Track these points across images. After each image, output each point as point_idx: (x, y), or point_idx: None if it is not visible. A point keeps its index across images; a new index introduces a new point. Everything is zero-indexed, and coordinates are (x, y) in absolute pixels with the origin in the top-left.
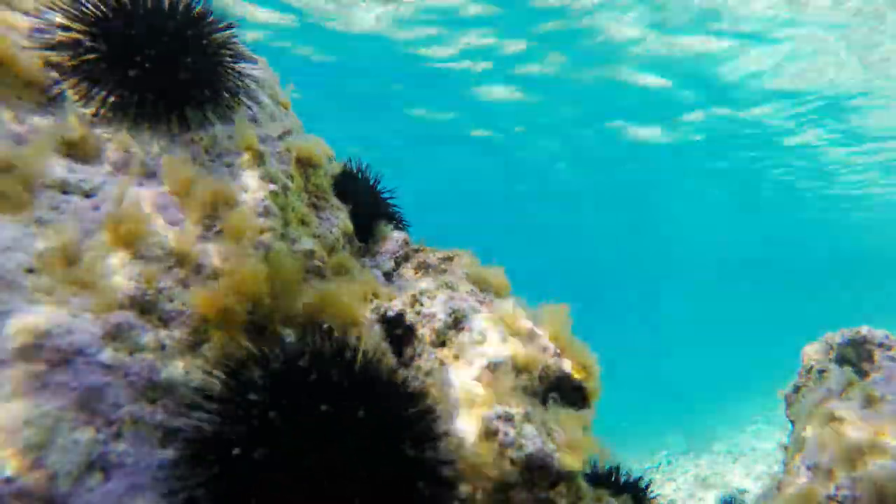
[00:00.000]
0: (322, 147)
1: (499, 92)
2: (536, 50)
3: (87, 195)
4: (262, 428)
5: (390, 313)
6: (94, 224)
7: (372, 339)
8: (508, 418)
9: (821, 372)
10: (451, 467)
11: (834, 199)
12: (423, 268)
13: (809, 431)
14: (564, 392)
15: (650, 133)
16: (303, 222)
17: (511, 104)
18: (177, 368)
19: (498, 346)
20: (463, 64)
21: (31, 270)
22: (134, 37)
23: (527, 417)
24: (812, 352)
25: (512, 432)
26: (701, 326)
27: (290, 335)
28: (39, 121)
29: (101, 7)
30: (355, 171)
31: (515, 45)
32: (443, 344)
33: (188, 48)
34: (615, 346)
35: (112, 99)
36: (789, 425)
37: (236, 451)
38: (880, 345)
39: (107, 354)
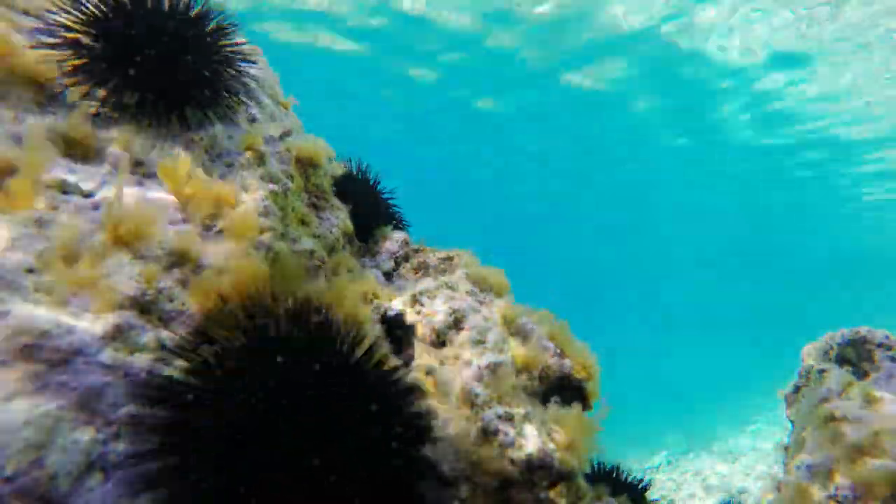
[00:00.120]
0: (322, 147)
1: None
2: None
3: (87, 195)
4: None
5: (390, 313)
6: (94, 224)
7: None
8: (508, 418)
9: (821, 372)
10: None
11: (835, 198)
12: (423, 268)
13: (809, 431)
14: (564, 392)
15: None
16: (303, 222)
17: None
18: (177, 368)
19: (498, 346)
20: None
21: (31, 270)
22: (134, 37)
23: (527, 417)
24: (812, 352)
25: (512, 432)
26: (701, 326)
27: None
28: (39, 120)
29: (102, 7)
30: (355, 171)
31: None
32: (443, 344)
33: (188, 48)
34: (615, 346)
35: (112, 99)
36: (789, 425)
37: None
38: (880, 345)
39: (107, 354)
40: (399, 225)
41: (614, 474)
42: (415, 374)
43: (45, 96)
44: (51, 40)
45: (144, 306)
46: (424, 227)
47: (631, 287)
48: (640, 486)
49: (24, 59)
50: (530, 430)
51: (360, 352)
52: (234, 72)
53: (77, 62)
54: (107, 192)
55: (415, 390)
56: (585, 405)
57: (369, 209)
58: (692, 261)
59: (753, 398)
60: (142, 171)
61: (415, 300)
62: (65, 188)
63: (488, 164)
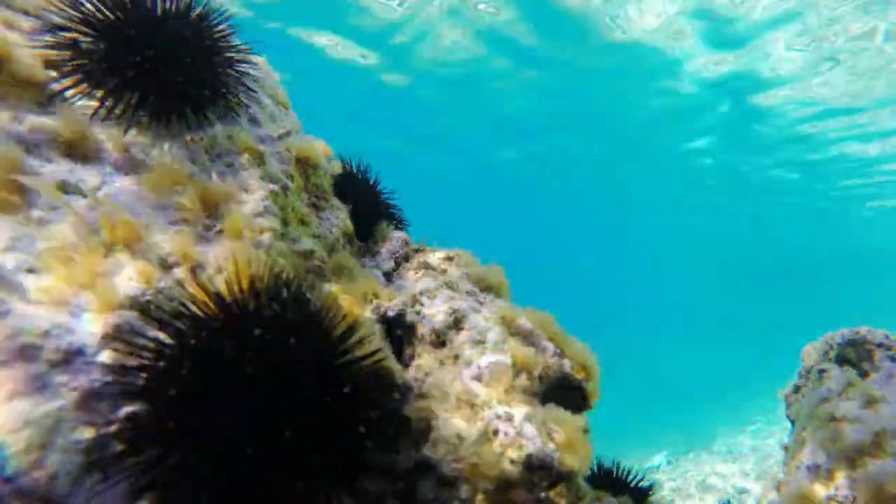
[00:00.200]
0: (322, 147)
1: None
2: None
3: (87, 195)
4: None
5: (390, 313)
6: (93, 224)
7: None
8: (508, 418)
9: (821, 372)
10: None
11: (836, 197)
12: (423, 268)
13: (809, 431)
14: (565, 392)
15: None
16: (303, 222)
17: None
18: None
19: (498, 346)
20: None
21: (31, 270)
22: (134, 37)
23: (527, 417)
24: (812, 352)
25: (512, 432)
26: (701, 326)
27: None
28: (39, 120)
29: (101, 7)
30: (355, 171)
31: None
32: (443, 344)
33: (188, 48)
34: (615, 346)
35: (112, 99)
36: (789, 425)
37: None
38: (880, 345)
39: (107, 354)
40: (399, 225)
41: (615, 474)
42: (414, 374)
43: (45, 96)
44: (50, 40)
45: (144, 306)
46: (424, 227)
47: (631, 287)
48: (640, 487)
49: (23, 59)
50: (530, 430)
51: (338, 332)
52: (233, 72)
53: (77, 62)
54: (107, 192)
55: (384, 375)
56: (586, 405)
57: (369, 209)
58: (692, 261)
59: (753, 398)
60: (142, 171)
61: (415, 300)
62: (65, 188)
63: (488, 165)
